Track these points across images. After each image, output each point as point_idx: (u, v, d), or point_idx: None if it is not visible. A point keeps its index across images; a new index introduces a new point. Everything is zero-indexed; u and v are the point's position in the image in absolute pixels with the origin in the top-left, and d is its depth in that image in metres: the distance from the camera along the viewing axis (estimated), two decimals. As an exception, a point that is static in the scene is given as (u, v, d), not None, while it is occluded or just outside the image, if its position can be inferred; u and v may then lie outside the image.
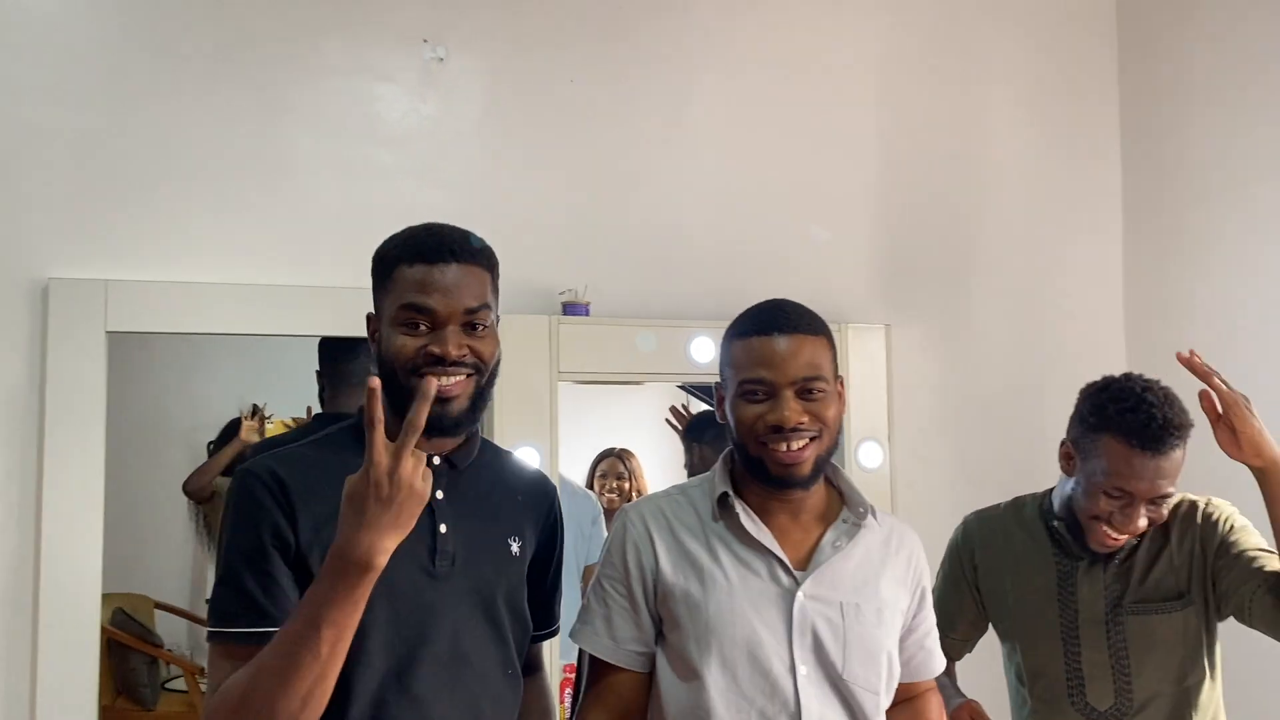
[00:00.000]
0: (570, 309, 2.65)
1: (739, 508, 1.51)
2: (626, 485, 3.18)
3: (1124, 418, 1.72)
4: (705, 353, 2.72)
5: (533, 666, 1.58)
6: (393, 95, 2.68)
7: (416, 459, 1.20)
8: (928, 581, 1.61)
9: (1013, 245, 3.15)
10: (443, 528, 1.37)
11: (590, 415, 3.08)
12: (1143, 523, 1.75)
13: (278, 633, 1.21)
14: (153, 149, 2.49)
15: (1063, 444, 1.86)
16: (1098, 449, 1.75)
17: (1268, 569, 1.75)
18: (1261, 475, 1.74)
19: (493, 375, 1.40)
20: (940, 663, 1.64)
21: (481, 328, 1.38)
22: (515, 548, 1.45)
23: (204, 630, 1.32)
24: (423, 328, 1.35)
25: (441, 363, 1.33)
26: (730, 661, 1.45)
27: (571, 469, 2.98)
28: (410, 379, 1.33)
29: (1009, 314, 3.13)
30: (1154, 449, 1.70)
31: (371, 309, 1.44)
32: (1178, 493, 1.80)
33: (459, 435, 1.40)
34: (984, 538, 1.97)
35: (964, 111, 3.14)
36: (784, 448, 1.46)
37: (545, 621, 1.56)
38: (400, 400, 1.31)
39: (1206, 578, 1.83)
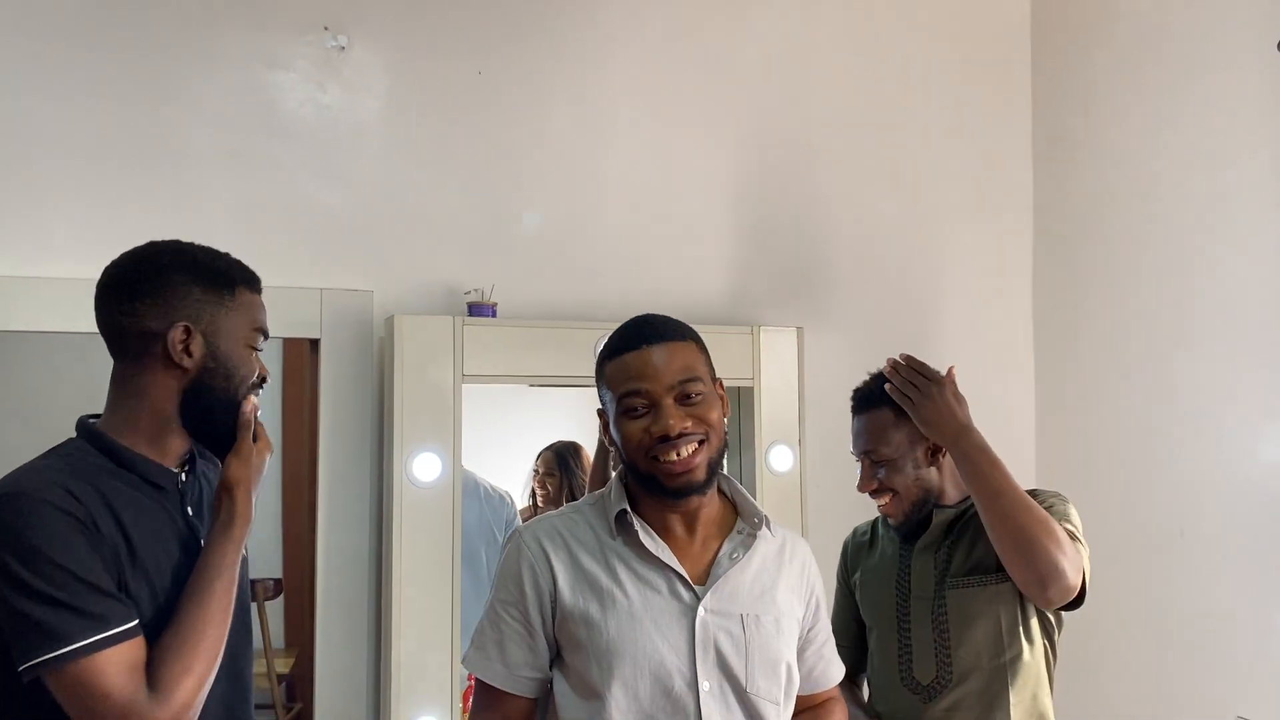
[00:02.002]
0: (476, 309, 2.59)
1: (637, 525, 1.49)
2: (555, 483, 3.08)
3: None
4: (615, 354, 2.67)
5: None
6: (290, 84, 2.58)
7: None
8: (821, 591, 1.63)
9: (924, 249, 3.16)
10: (189, 510, 1.52)
11: (521, 416, 3.04)
12: (870, 484, 1.96)
13: (196, 601, 1.38)
14: (33, 135, 2.37)
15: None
16: None
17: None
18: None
19: None
20: (838, 671, 1.68)
21: None
22: None
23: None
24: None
25: None
26: (631, 681, 1.43)
27: (495, 472, 2.92)
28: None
29: (919, 317, 3.13)
30: (853, 410, 2.04)
31: None
32: (908, 464, 1.95)
33: None
34: (855, 539, 2.16)
35: (876, 113, 3.13)
36: (674, 456, 1.45)
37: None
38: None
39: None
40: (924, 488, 1.96)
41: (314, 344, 2.59)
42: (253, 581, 3.01)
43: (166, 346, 1.43)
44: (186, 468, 1.51)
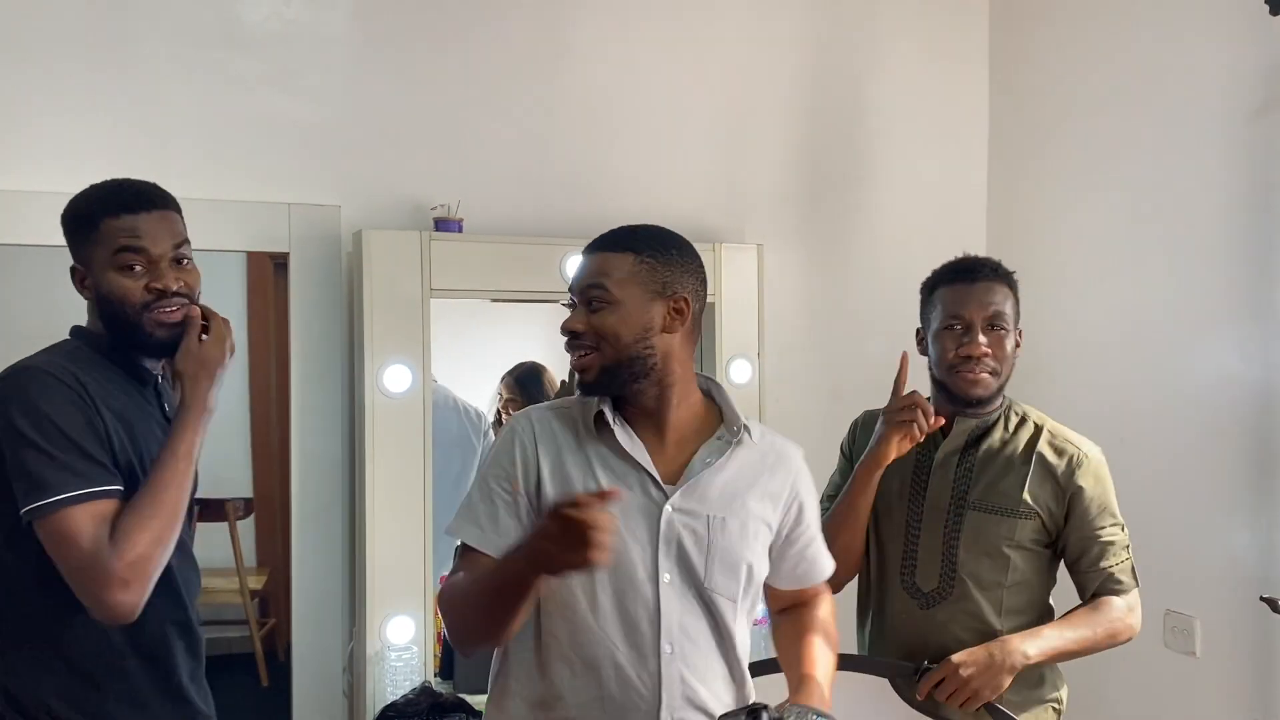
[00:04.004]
0: (442, 225, 2.62)
1: (616, 426, 1.56)
2: (518, 408, 3.07)
3: (945, 268, 2.05)
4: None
5: None
6: (254, -2, 2.57)
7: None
8: (808, 495, 1.67)
9: (882, 166, 3.22)
10: (165, 407, 1.73)
11: (490, 330, 3.07)
12: (985, 348, 1.94)
13: (155, 472, 1.56)
14: (0, 53, 2.36)
15: (916, 333, 2.09)
16: (933, 304, 2.03)
17: (1103, 569, 1.98)
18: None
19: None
20: (826, 567, 1.72)
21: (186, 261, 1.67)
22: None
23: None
24: (138, 269, 1.62)
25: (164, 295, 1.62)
26: (589, 575, 1.50)
27: (469, 388, 2.97)
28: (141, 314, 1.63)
29: (876, 235, 3.20)
30: (971, 278, 1.99)
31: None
32: (1014, 339, 1.99)
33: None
34: (864, 427, 2.17)
35: (836, 32, 3.16)
36: (571, 354, 1.57)
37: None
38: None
39: (1053, 525, 1.99)
40: (1011, 371, 2.00)
41: (282, 259, 2.61)
42: (222, 501, 3.09)
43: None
44: (163, 372, 1.72)
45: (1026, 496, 1.97)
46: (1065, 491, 1.98)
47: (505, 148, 2.80)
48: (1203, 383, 2.66)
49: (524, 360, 3.12)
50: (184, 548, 1.68)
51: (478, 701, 2.45)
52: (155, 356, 1.68)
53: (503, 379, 3.09)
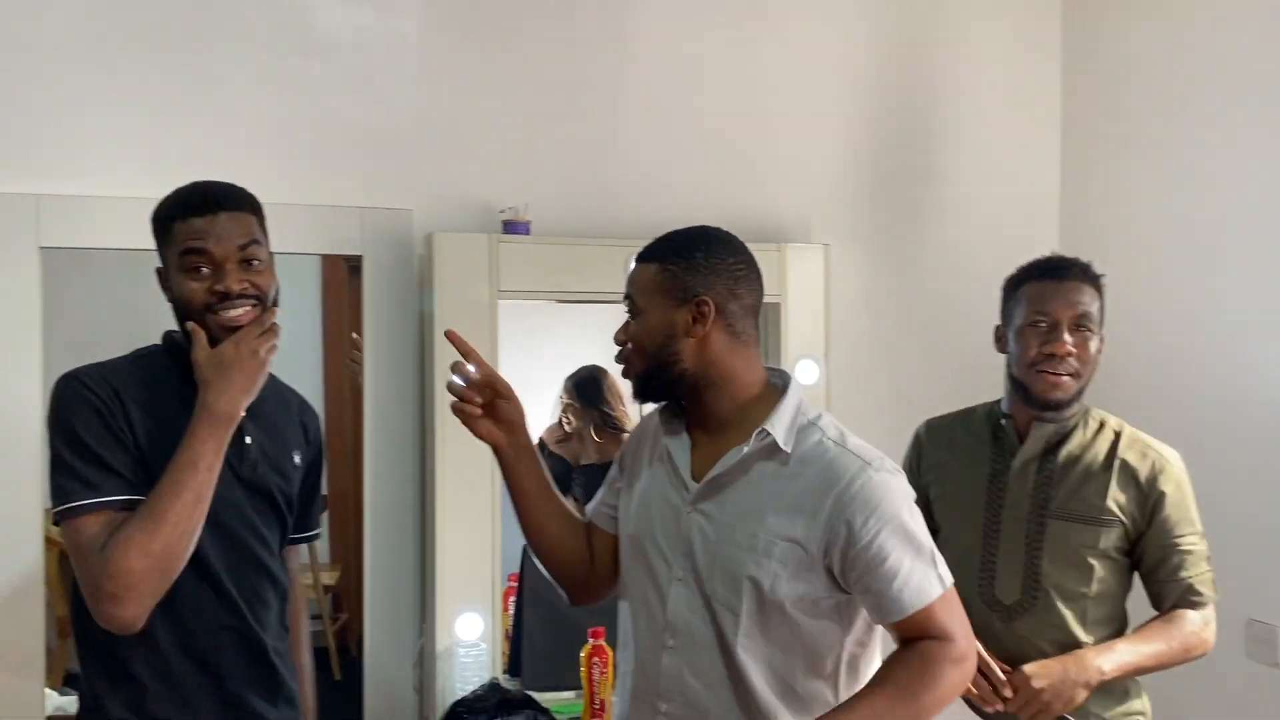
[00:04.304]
0: (510, 227, 2.65)
1: (664, 422, 1.65)
2: (576, 413, 3.06)
3: (1032, 265, 2.00)
4: (646, 271, 2.74)
5: (295, 573, 1.90)
6: (327, 5, 2.62)
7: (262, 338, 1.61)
8: (861, 517, 1.48)
9: (951, 162, 3.17)
10: (248, 439, 1.69)
11: (550, 332, 3.09)
12: (1070, 347, 1.89)
13: (160, 482, 1.53)
14: (79, 60, 2.44)
15: (995, 330, 2.04)
16: (1017, 300, 1.98)
17: (1183, 579, 1.93)
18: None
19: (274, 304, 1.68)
20: (902, 607, 1.49)
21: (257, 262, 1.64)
22: (297, 458, 1.79)
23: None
24: (204, 271, 1.61)
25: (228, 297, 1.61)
26: (630, 553, 1.65)
27: (529, 387, 2.98)
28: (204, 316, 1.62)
29: (945, 234, 3.16)
30: (1059, 276, 1.94)
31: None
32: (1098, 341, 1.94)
33: None
34: (931, 437, 2.12)
35: (904, 27, 3.13)
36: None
37: (307, 525, 1.89)
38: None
39: (1134, 533, 1.94)
40: (1091, 375, 1.96)
41: (356, 261, 2.67)
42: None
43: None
44: None
45: (1110, 503, 1.93)
46: (1148, 498, 1.93)
47: (572, 150, 2.82)
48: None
49: (586, 364, 3.11)
50: (249, 553, 1.68)
51: (545, 699, 2.47)
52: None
53: (564, 383, 3.11)
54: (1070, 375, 1.91)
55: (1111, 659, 1.87)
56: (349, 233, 2.60)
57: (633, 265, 1.63)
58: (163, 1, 2.50)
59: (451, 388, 1.67)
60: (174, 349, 1.68)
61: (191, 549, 1.56)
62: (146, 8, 2.49)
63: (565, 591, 1.78)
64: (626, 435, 3.04)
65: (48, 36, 2.42)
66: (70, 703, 2.52)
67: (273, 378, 1.74)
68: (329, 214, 2.56)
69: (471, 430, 1.68)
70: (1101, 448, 1.97)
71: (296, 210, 2.45)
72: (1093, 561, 1.92)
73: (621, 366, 1.64)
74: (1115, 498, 1.93)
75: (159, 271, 1.67)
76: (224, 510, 1.63)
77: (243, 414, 1.62)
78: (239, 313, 1.61)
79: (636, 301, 1.60)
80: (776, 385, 1.61)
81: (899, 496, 1.53)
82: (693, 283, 1.56)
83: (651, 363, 1.58)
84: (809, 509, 1.50)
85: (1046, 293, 1.94)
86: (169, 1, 2.50)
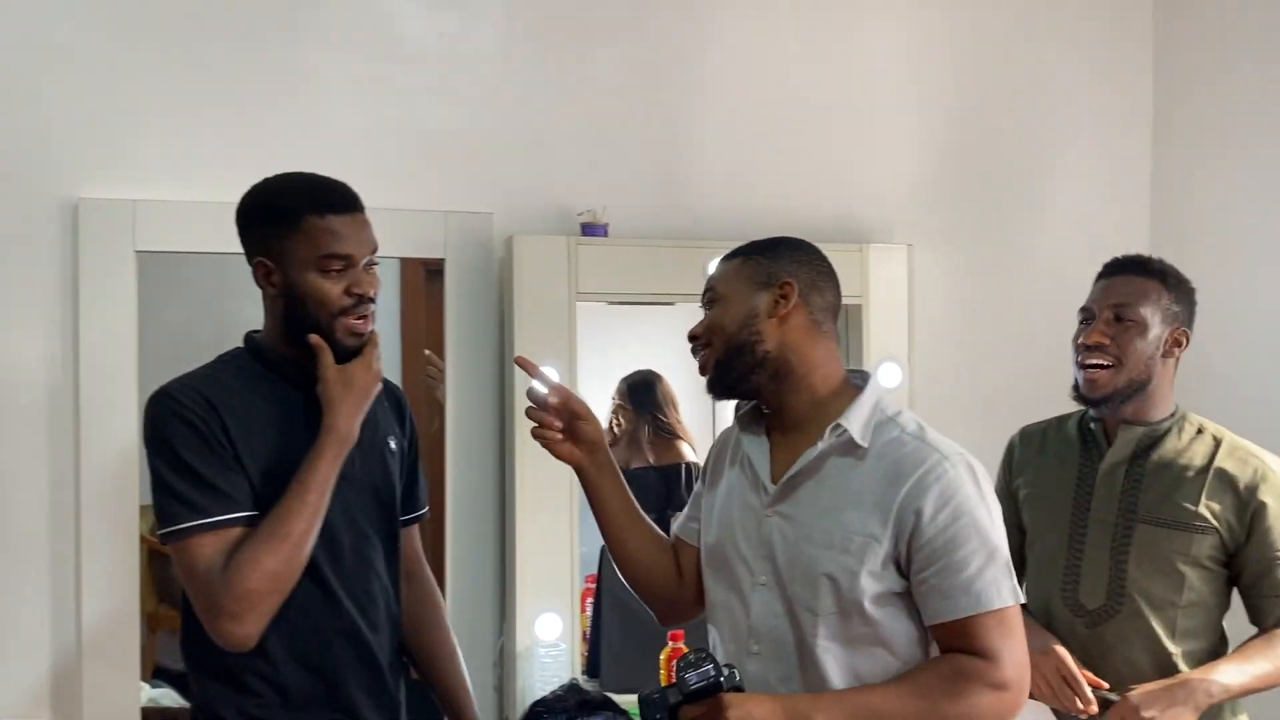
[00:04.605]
0: (589, 229, 2.66)
1: (743, 425, 1.64)
2: (628, 416, 3.05)
3: (1103, 266, 1.99)
4: (725, 273, 2.73)
5: (417, 557, 1.89)
6: (411, 12, 2.66)
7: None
8: (931, 509, 1.44)
9: (1038, 162, 3.11)
10: None
11: (620, 334, 3.10)
12: (1102, 336, 1.88)
13: (283, 501, 1.52)
14: (173, 69, 2.51)
15: None
16: (1085, 302, 1.98)
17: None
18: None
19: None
20: (955, 607, 1.44)
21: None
22: (393, 444, 1.76)
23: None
24: (338, 272, 1.59)
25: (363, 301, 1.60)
26: (712, 561, 1.63)
27: (596, 390, 3.00)
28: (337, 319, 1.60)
29: (1032, 234, 3.10)
30: (1111, 272, 1.95)
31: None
32: (1150, 337, 1.89)
33: None
34: (1024, 441, 2.10)
35: (990, 26, 3.08)
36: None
37: (414, 506, 1.85)
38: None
39: (1233, 543, 1.87)
40: (1147, 372, 1.89)
41: (435, 265, 2.70)
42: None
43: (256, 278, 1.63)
44: None
45: (1203, 509, 1.85)
46: (1247, 506, 1.85)
47: (650, 151, 2.82)
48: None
49: (641, 369, 3.11)
50: (357, 552, 1.66)
51: (624, 700, 2.48)
52: (342, 361, 1.61)
53: (617, 386, 3.10)
54: (1106, 366, 1.88)
55: (1220, 683, 1.80)
56: (432, 236, 2.63)
57: (719, 264, 1.63)
58: (252, 11, 2.56)
59: (529, 413, 1.68)
60: (257, 351, 1.65)
61: (306, 562, 1.55)
62: (237, 17, 2.55)
63: (654, 611, 1.77)
64: (679, 441, 3.09)
65: (142, 49, 2.49)
66: (162, 695, 2.59)
67: None
68: (413, 218, 2.59)
69: (552, 453, 1.68)
70: (1198, 453, 1.90)
71: (381, 214, 2.46)
72: (1184, 569, 1.86)
73: (697, 360, 1.61)
74: (1209, 504, 1.86)
75: (260, 264, 1.60)
76: (331, 511, 1.59)
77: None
78: (369, 319, 1.61)
79: (718, 290, 1.59)
80: (856, 384, 1.59)
81: (978, 493, 1.47)
82: (777, 268, 1.57)
83: (731, 346, 1.55)
84: (884, 502, 1.47)
85: (1097, 289, 1.95)
86: (258, 11, 2.56)
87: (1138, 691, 1.80)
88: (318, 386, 1.59)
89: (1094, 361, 1.89)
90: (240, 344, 1.69)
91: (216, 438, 1.55)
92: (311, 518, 1.54)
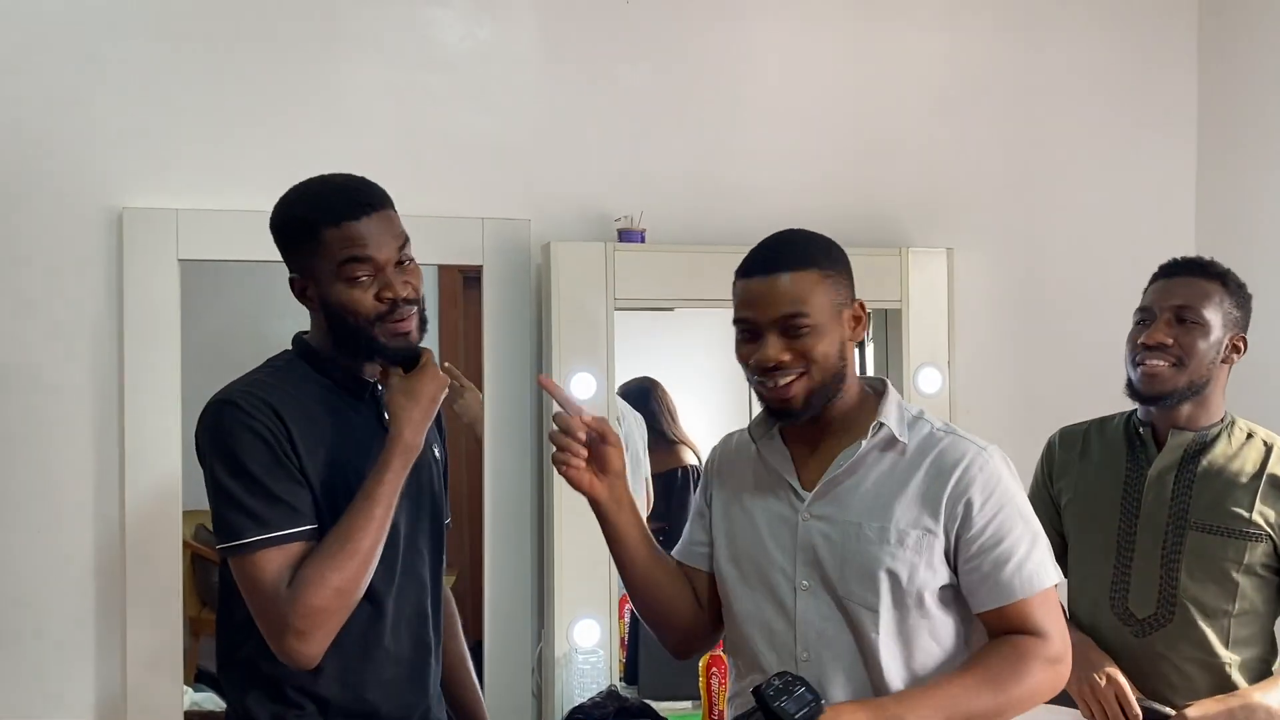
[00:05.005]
0: (625, 235, 2.66)
1: (759, 443, 1.61)
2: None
3: (1156, 270, 1.96)
4: (763, 277, 2.72)
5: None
6: (448, 20, 2.68)
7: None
8: (980, 498, 1.48)
9: (1080, 164, 3.07)
10: (385, 417, 1.62)
11: (647, 340, 3.06)
12: (1164, 336, 1.86)
13: (348, 516, 1.50)
14: (213, 80, 2.54)
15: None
16: (1142, 302, 1.95)
17: None
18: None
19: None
20: (1011, 591, 1.48)
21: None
22: (437, 452, 1.75)
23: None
24: (365, 278, 1.55)
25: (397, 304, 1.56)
26: (738, 578, 1.60)
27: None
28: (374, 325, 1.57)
29: (1075, 236, 3.06)
30: (1169, 274, 1.92)
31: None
32: (1211, 341, 1.87)
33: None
34: (1064, 443, 2.07)
35: (1029, 24, 3.04)
36: (771, 385, 1.51)
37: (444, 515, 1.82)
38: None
39: None
40: (1206, 375, 1.86)
41: (474, 272, 2.71)
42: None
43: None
44: (377, 378, 1.65)
45: (1256, 516, 1.82)
46: None
47: (686, 157, 2.81)
48: None
49: (638, 376, 3.03)
50: (410, 571, 1.64)
51: (662, 708, 2.47)
52: (394, 365, 1.60)
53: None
54: (1168, 364, 1.85)
55: (1278, 697, 1.76)
56: (470, 243, 2.64)
57: (782, 277, 1.50)
58: (290, 21, 2.58)
59: (553, 437, 1.60)
60: (309, 355, 1.62)
61: (371, 577, 1.52)
62: (274, 26, 2.57)
63: (670, 645, 1.71)
64: (680, 446, 3.06)
65: (184, 60, 2.52)
66: (205, 699, 2.62)
67: None
68: (451, 225, 2.61)
69: (571, 481, 1.61)
70: (1250, 458, 1.87)
71: (419, 221, 2.48)
72: (1237, 577, 1.83)
73: (778, 385, 1.50)
74: (1262, 511, 1.83)
75: (294, 281, 1.59)
76: (392, 526, 1.56)
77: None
78: (409, 319, 1.57)
79: (813, 319, 1.49)
80: (873, 389, 1.61)
81: (1014, 480, 1.54)
82: (847, 285, 1.56)
83: (829, 373, 1.51)
84: (932, 495, 1.51)
85: (1156, 290, 1.92)
86: (296, 21, 2.58)
87: (1195, 709, 1.77)
88: (384, 395, 1.59)
89: (1155, 360, 1.86)
90: (289, 347, 1.66)
91: (284, 449, 1.51)
92: (378, 532, 1.51)
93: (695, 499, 1.73)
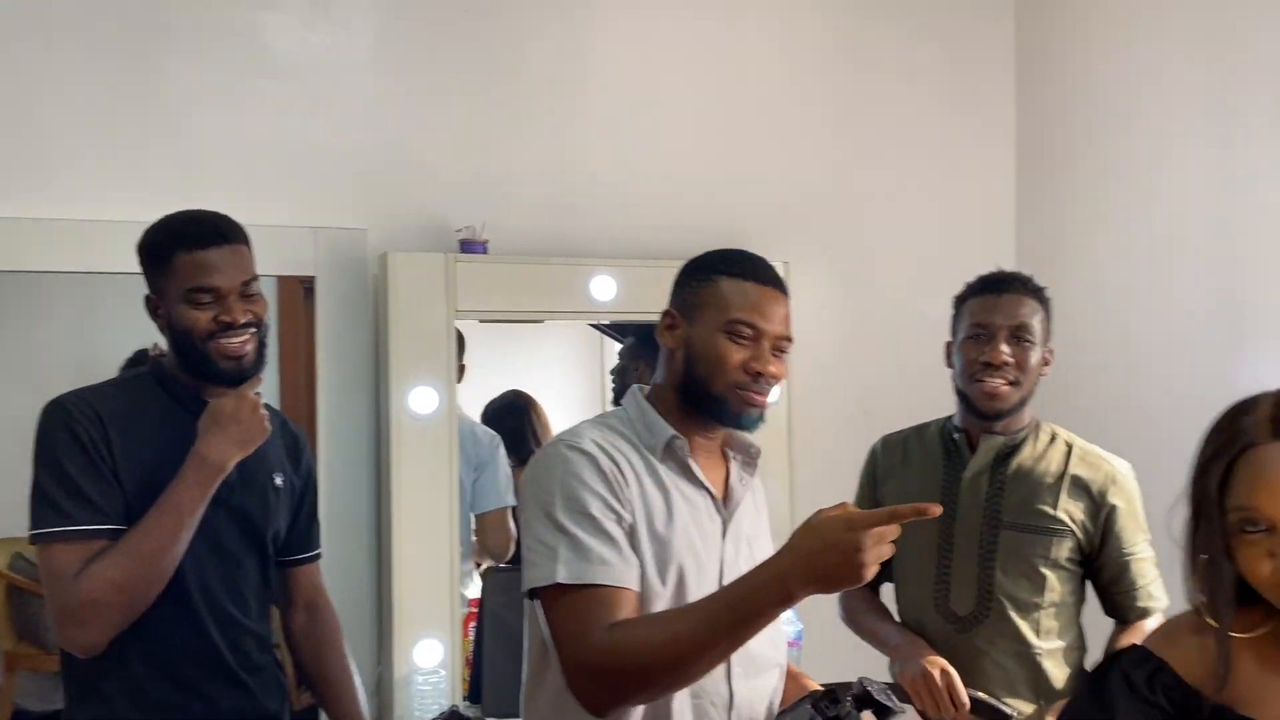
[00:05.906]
0: (467, 246, 2.62)
1: (683, 451, 1.55)
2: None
3: (976, 281, 2.04)
4: (606, 291, 2.73)
5: (317, 590, 1.97)
6: (280, 24, 2.59)
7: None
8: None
9: (909, 180, 3.19)
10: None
11: (498, 352, 3.04)
12: (1006, 356, 1.93)
13: (142, 518, 1.58)
14: (24, 79, 2.39)
15: (945, 346, 2.05)
16: (961, 316, 2.03)
17: (1142, 587, 1.94)
18: None
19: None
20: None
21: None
22: (279, 480, 1.82)
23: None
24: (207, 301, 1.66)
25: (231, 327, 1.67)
26: (678, 585, 1.50)
27: (476, 407, 2.97)
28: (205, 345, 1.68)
29: (904, 250, 3.17)
30: (998, 290, 1.98)
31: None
32: (1038, 356, 1.97)
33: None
34: (885, 451, 2.15)
35: (858, 42, 3.15)
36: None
37: (309, 545, 1.95)
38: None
39: (1088, 545, 1.96)
40: (1033, 389, 1.98)
41: (309, 282, 2.62)
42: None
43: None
44: None
45: (1061, 513, 1.94)
46: (1100, 510, 1.94)
47: (530, 168, 2.80)
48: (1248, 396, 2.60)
49: (506, 391, 3.01)
50: (224, 577, 1.73)
51: (505, 726, 2.44)
52: (227, 385, 1.70)
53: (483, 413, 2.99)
54: (1008, 383, 1.94)
55: None
56: (302, 253, 2.56)
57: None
58: (113, 19, 2.45)
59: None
60: (158, 371, 1.74)
61: (164, 583, 1.61)
62: (95, 24, 2.44)
63: (649, 700, 1.47)
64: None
65: (2, 68, 2.37)
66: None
67: None
68: (281, 234, 2.51)
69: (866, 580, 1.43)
70: (1053, 459, 1.98)
71: (251, 231, 2.41)
72: (1045, 571, 1.94)
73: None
74: (1066, 508, 1.95)
75: (149, 299, 1.71)
76: (200, 533, 1.65)
77: (232, 466, 1.66)
78: (241, 340, 1.67)
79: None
80: None
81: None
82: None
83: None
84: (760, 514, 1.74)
85: (986, 305, 1.98)
86: (119, 19, 2.45)
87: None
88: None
89: (995, 379, 1.94)
90: (122, 362, 1.85)
91: (99, 452, 1.61)
92: (165, 539, 1.59)
93: (599, 515, 1.47)
